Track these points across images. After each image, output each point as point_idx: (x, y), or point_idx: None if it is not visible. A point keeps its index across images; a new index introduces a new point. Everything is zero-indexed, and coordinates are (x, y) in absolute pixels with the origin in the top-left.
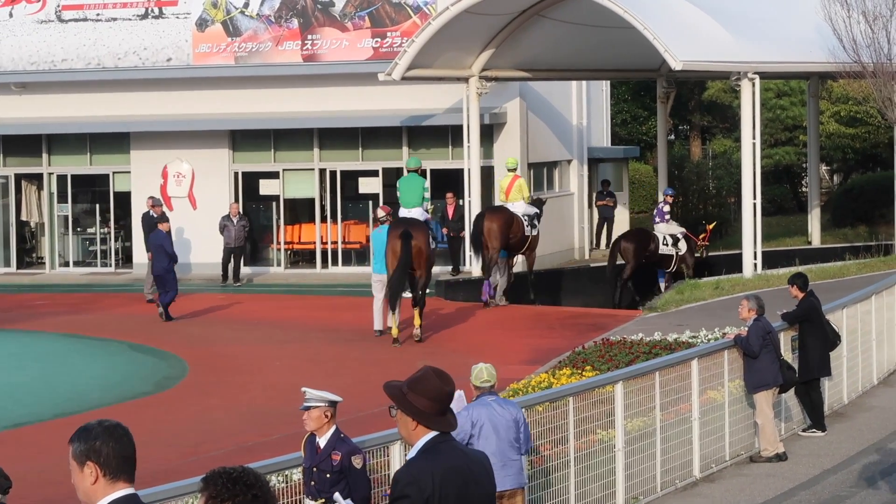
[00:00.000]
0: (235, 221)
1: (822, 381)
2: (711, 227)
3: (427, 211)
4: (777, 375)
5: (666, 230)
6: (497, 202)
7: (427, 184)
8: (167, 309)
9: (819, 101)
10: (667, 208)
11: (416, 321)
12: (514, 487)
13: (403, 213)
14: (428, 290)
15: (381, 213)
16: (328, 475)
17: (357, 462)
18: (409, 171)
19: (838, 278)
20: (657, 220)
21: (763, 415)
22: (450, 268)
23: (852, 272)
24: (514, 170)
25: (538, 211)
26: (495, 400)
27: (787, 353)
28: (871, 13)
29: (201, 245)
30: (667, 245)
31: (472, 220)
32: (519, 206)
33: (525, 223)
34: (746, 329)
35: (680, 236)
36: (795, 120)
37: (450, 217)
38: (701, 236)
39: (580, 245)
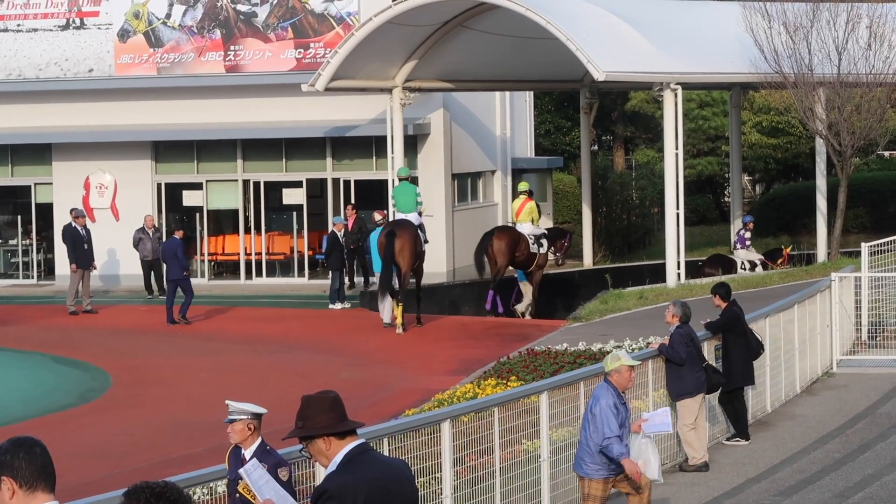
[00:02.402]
0: (151, 234)
1: (745, 390)
2: (788, 249)
3: (420, 214)
4: (701, 384)
5: (745, 256)
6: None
7: (419, 189)
8: (185, 313)
9: (741, 111)
10: (748, 235)
11: (399, 316)
12: (579, 474)
13: (400, 216)
14: (350, 303)
15: (377, 216)
16: None
17: (283, 474)
18: (401, 180)
19: (761, 287)
20: (738, 246)
21: (683, 424)
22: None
23: (775, 282)
24: (526, 192)
25: (545, 231)
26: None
27: (711, 363)
28: (791, 24)
29: (125, 257)
30: (744, 269)
31: (481, 237)
32: (526, 227)
33: (531, 242)
34: (669, 337)
35: (758, 262)
36: (718, 130)
37: (349, 229)
38: (779, 261)
39: None
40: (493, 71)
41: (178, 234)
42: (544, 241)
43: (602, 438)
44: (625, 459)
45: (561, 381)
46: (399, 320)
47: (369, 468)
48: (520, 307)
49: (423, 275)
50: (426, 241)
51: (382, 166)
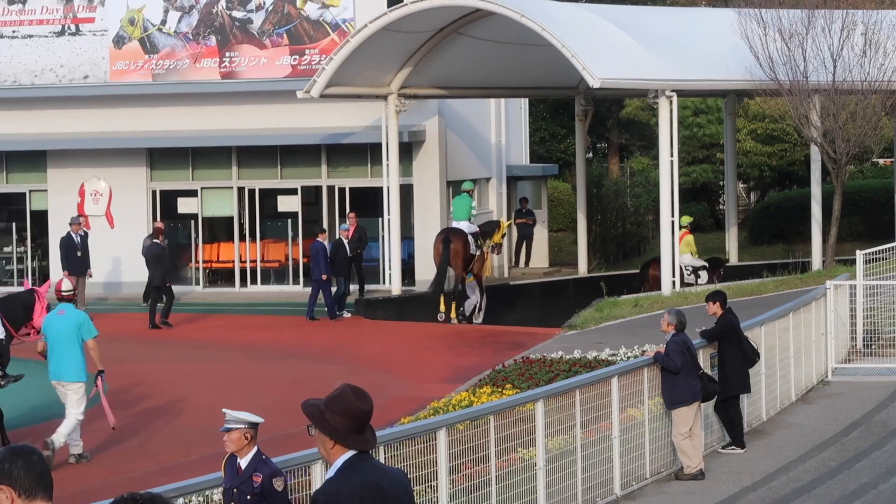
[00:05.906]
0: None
1: (741, 398)
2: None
3: (495, 237)
4: (696, 392)
5: (689, 262)
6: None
7: (475, 202)
8: (333, 311)
9: (736, 118)
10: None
11: (453, 312)
12: None
13: (453, 224)
14: (349, 312)
15: None
16: (249, 497)
17: (278, 484)
18: (462, 192)
19: (756, 295)
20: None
21: (678, 433)
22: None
23: (770, 289)
24: (686, 227)
25: (705, 264)
26: None
27: (707, 370)
28: (787, 31)
29: (119, 264)
30: (688, 273)
31: (641, 266)
32: (685, 258)
33: (687, 273)
34: (664, 345)
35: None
36: (712, 138)
37: (349, 236)
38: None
39: (499, 263)
40: (488, 78)
41: (322, 237)
42: (702, 273)
43: None
44: None
45: (556, 389)
46: (453, 314)
47: (366, 474)
48: None
49: (482, 279)
50: (478, 247)
51: (377, 173)
